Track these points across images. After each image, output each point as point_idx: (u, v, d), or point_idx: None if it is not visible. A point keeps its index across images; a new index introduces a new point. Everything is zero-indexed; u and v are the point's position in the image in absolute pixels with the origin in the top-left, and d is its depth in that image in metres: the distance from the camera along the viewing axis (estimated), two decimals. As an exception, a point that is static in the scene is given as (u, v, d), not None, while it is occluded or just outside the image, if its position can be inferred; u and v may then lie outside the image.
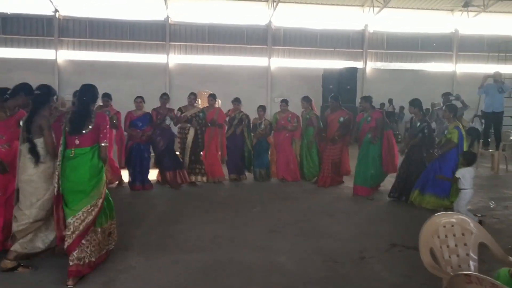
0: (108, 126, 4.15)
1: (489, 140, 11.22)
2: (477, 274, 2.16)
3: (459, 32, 21.48)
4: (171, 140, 8.12)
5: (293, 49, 20.79)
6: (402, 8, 20.39)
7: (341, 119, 8.19)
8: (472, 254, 3.02)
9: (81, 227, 3.86)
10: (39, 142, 3.99)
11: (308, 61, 20.72)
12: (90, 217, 3.91)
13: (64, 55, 19.22)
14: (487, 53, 19.37)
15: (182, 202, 7.08)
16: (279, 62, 20.67)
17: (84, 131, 3.95)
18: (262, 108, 9.00)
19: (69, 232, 3.85)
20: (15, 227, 4.00)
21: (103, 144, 4.05)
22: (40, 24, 19.04)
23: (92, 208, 3.94)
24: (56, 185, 3.85)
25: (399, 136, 16.00)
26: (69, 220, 3.86)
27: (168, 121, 8.06)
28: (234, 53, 20.35)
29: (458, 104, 7.45)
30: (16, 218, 4.01)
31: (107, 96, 8.04)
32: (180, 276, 4.04)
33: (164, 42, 19.74)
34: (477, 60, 21.20)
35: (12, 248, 3.98)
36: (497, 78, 10.44)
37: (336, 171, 8.41)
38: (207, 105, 8.85)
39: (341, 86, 16.53)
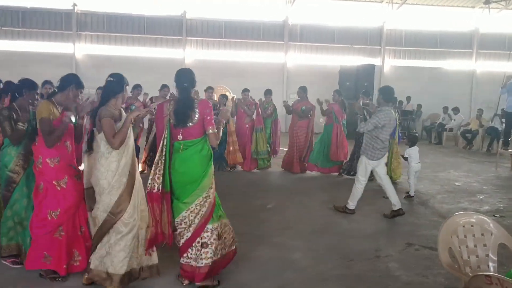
0: (212, 112, 3.70)
1: (509, 140, 10.99)
2: (498, 275, 2.10)
3: (480, 30, 21.07)
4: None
5: (309, 45, 20.62)
6: (422, 4, 20.04)
7: (303, 107, 9.32)
8: (491, 255, 2.95)
9: (196, 220, 3.62)
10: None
11: (325, 58, 20.52)
12: (204, 209, 3.62)
13: (82, 49, 19.36)
14: (508, 52, 18.94)
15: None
16: (295, 58, 20.53)
17: (190, 124, 3.58)
18: (222, 96, 9.86)
19: (185, 226, 3.64)
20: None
21: (210, 131, 3.63)
22: (58, 18, 19.19)
23: (205, 199, 3.63)
24: (156, 183, 3.53)
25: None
26: (183, 214, 3.62)
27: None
28: (250, 49, 20.28)
29: None
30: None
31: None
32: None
33: (180, 37, 19.78)
34: (498, 59, 20.78)
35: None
36: (520, 77, 10.24)
37: (300, 157, 9.35)
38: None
39: (358, 83, 16.41)
